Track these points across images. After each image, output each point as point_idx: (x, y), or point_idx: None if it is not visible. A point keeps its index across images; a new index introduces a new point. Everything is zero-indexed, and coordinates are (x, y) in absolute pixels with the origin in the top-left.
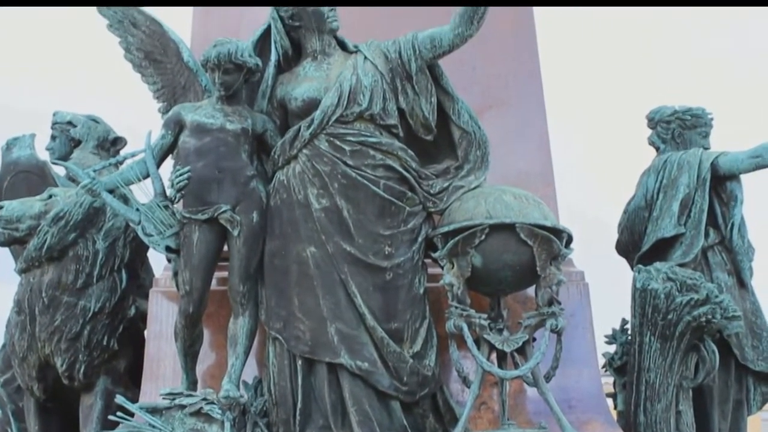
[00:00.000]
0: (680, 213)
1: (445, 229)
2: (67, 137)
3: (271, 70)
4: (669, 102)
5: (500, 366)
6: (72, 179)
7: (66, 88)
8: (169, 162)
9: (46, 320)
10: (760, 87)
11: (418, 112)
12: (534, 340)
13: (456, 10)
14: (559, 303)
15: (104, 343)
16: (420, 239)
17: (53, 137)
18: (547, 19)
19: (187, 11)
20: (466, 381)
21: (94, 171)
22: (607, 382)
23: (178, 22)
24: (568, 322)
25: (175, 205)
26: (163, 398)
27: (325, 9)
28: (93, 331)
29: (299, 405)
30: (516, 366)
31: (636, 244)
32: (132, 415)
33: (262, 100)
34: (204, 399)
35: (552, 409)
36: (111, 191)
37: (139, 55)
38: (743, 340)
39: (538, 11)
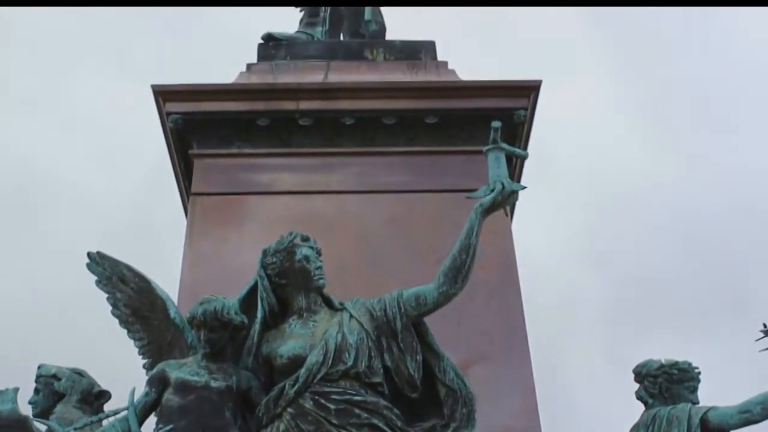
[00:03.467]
0: None
1: None
2: (51, 390)
3: (257, 326)
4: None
5: None
6: None
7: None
8: (151, 419)
9: None
10: None
11: (403, 369)
12: None
13: (440, 269)
14: None
15: None
16: None
17: (36, 390)
18: (532, 275)
19: (177, 260)
20: None
21: (75, 429)
22: None
23: (167, 272)
24: None
25: None
26: None
27: (312, 267)
28: None
29: None
30: None
31: None
32: None
33: (248, 357)
34: None
35: None
36: None
37: (126, 311)
38: None
39: (522, 264)
